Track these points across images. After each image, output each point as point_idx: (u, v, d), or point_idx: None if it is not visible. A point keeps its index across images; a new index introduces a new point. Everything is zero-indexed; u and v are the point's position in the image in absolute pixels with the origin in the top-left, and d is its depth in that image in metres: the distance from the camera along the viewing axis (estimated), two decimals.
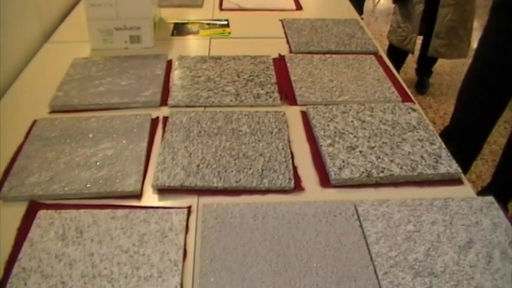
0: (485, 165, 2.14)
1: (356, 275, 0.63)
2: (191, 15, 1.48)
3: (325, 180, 0.81)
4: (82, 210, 0.72)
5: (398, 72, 1.79)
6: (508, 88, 1.51)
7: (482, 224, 0.71)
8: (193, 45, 1.30)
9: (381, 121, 0.93)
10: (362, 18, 1.67)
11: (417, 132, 0.90)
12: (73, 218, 0.71)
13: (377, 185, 0.80)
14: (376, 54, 1.25)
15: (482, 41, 1.57)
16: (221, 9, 1.54)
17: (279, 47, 1.27)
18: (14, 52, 1.15)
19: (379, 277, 0.63)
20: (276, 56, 1.22)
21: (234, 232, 0.69)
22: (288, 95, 1.04)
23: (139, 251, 0.65)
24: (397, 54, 2.50)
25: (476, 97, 1.57)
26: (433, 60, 2.68)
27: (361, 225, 0.71)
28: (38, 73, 1.13)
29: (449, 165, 0.82)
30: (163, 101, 1.01)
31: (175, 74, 1.10)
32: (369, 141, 0.87)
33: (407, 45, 2.39)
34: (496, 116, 1.59)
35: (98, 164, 0.81)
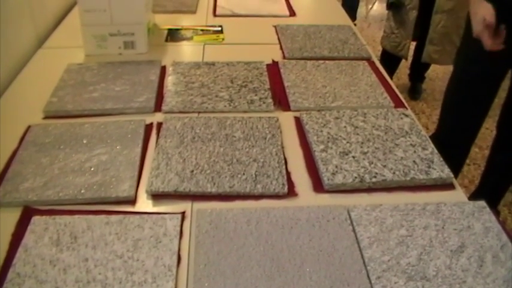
0: (477, 170, 2.16)
1: (349, 279, 0.63)
2: (185, 21, 1.48)
3: (318, 185, 0.81)
4: (76, 216, 0.72)
5: (392, 78, 1.80)
6: (488, 96, 1.53)
7: (474, 228, 0.72)
8: (187, 51, 1.30)
9: (373, 127, 0.94)
10: (355, 24, 1.68)
11: (410, 137, 0.91)
12: (67, 223, 0.71)
13: (370, 190, 0.81)
14: (369, 60, 1.26)
15: (459, 51, 1.59)
16: (215, 15, 1.54)
17: (273, 53, 1.28)
18: (8, 58, 1.15)
19: (372, 281, 0.63)
20: (270, 61, 1.22)
21: (228, 237, 0.69)
22: (281, 101, 1.05)
23: (134, 256, 0.66)
24: (390, 60, 2.51)
25: (457, 106, 1.60)
26: (426, 66, 2.70)
27: (354, 230, 0.71)
28: (32, 79, 1.13)
29: (441, 170, 0.83)
30: (157, 107, 1.01)
31: (169, 79, 1.11)
32: (361, 147, 0.88)
33: (401, 51, 2.41)
34: (478, 123, 1.60)
35: (92, 169, 0.81)
